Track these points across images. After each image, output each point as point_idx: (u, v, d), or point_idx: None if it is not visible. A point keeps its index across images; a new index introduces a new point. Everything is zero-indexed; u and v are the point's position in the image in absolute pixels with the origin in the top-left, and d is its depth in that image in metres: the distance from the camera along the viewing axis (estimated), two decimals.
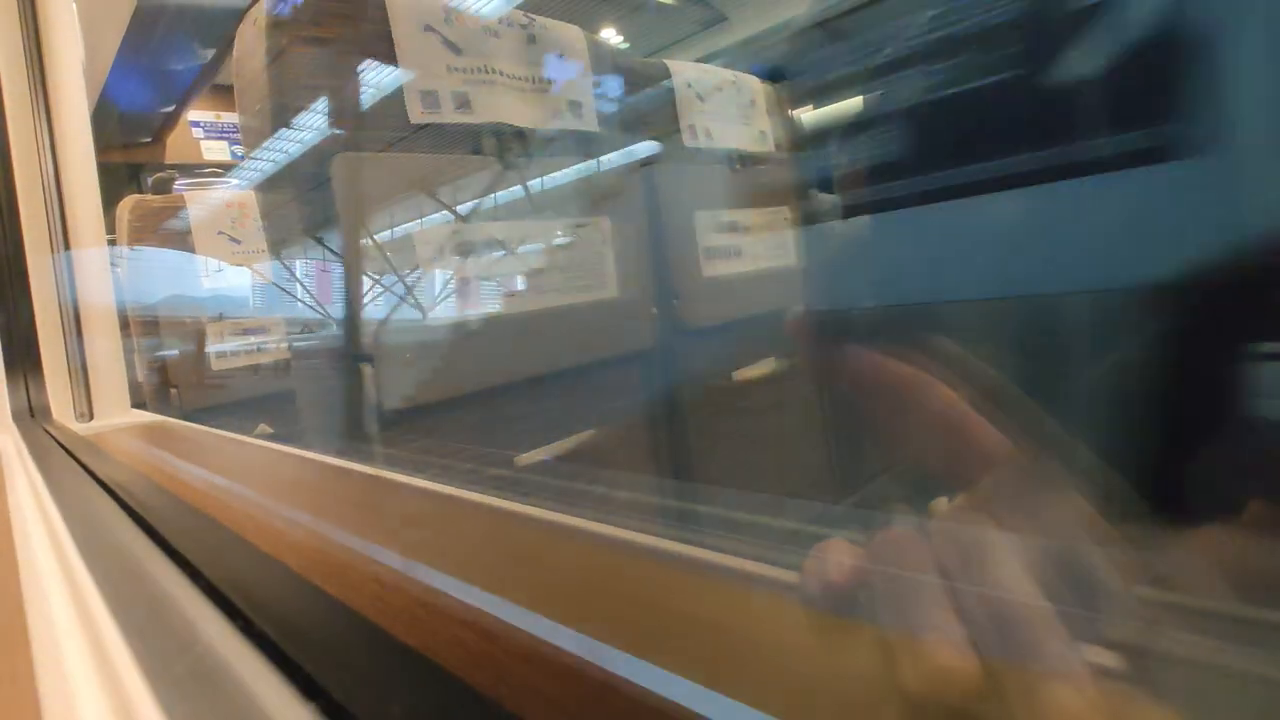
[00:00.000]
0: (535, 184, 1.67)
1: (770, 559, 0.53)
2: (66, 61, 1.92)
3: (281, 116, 1.33)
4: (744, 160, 2.38)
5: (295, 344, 1.63)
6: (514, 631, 0.38)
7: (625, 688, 0.31)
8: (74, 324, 1.87)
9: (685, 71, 2.15)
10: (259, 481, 0.95)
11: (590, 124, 1.74)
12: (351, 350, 1.33)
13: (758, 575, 0.52)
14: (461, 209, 1.58)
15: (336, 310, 1.40)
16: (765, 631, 0.40)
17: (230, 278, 3.19)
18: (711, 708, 0.29)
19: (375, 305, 1.43)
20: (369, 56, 1.37)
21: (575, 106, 1.74)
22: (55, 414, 1.85)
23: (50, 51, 1.88)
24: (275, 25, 1.29)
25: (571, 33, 1.76)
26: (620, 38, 15.83)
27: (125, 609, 0.59)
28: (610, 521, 0.65)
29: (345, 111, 1.35)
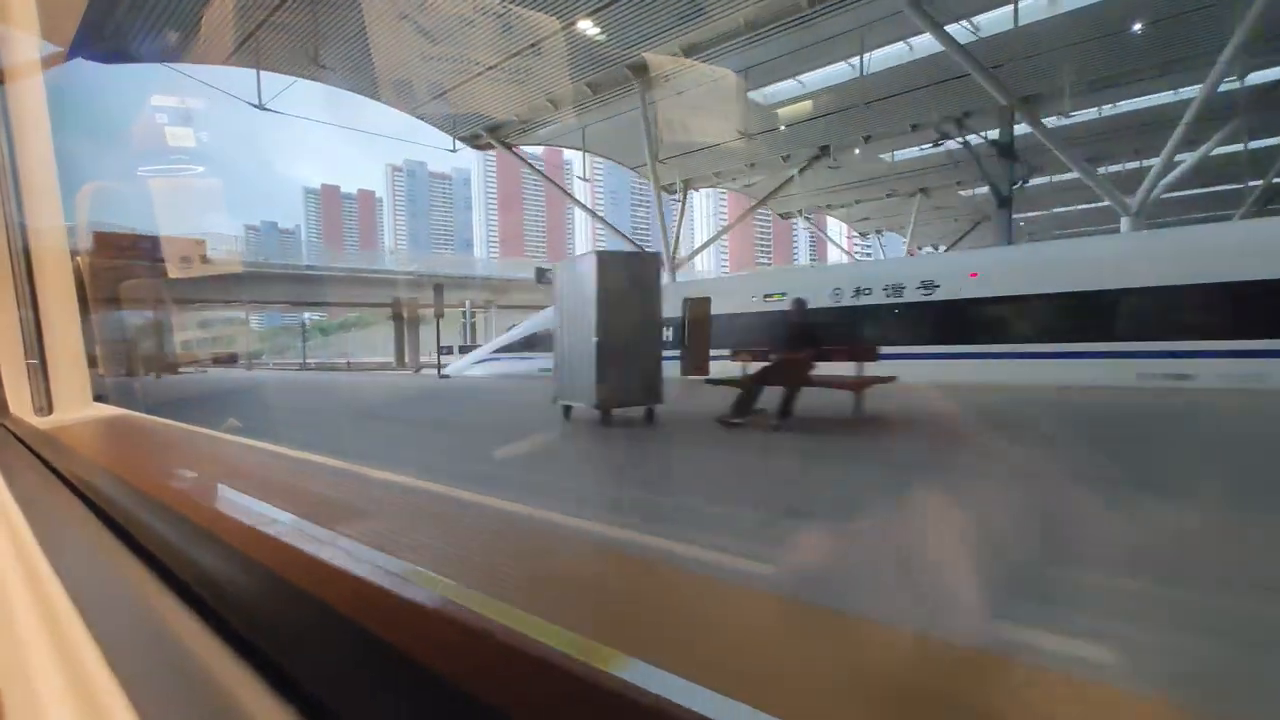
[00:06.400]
0: None
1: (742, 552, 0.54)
2: (22, 42, 1.84)
3: None
4: None
5: None
6: (494, 627, 0.38)
7: (605, 682, 0.31)
8: (32, 314, 1.80)
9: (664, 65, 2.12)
10: (227, 476, 0.93)
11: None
12: None
13: (727, 567, 0.53)
14: None
15: None
16: (738, 620, 0.41)
17: None
18: (692, 700, 0.30)
19: None
20: None
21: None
22: (13, 407, 1.79)
23: (5, 34, 1.80)
24: None
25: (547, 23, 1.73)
26: (597, 29, 15.36)
27: (92, 609, 0.58)
28: (588, 518, 0.66)
29: None
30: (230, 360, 31.03)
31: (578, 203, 27.21)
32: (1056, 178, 23.51)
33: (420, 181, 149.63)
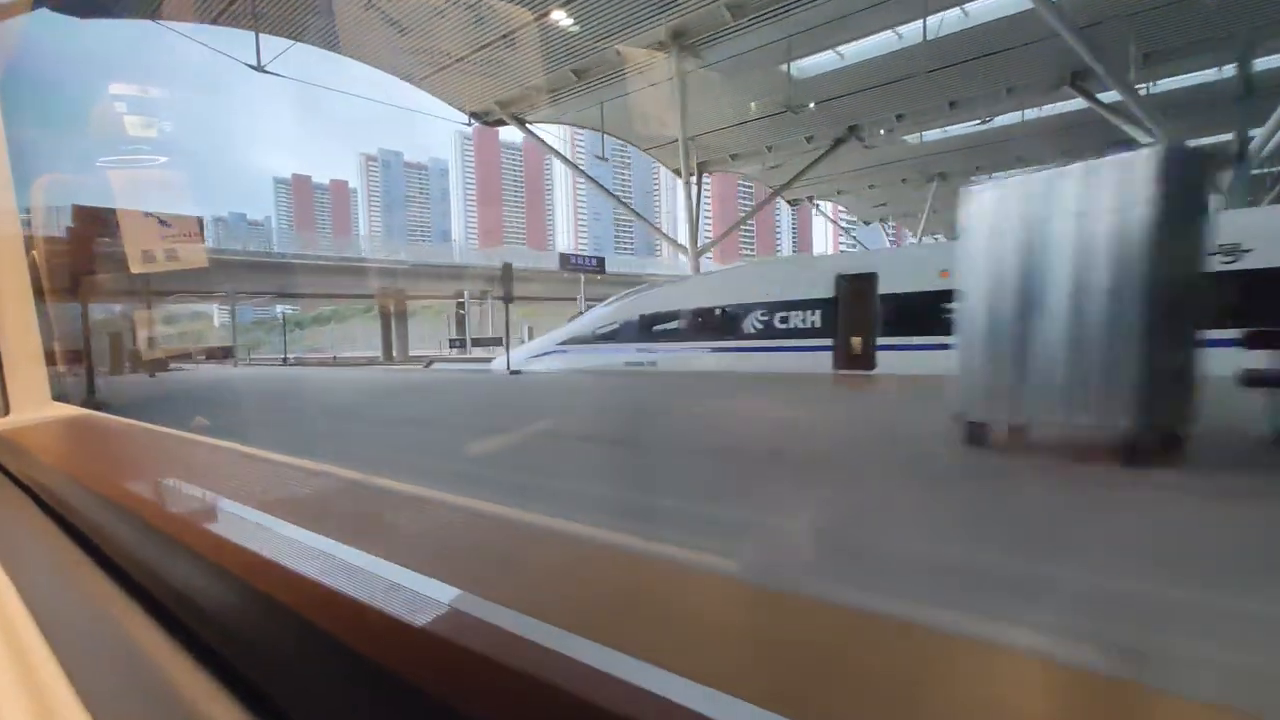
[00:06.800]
0: None
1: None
2: None
3: None
4: None
5: None
6: (473, 630, 0.37)
7: (596, 694, 0.30)
8: None
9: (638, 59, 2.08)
10: (193, 479, 0.90)
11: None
12: None
13: (703, 564, 0.53)
14: None
15: None
16: (714, 611, 0.41)
17: None
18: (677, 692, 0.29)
19: None
20: None
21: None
22: None
23: None
24: None
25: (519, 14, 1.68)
26: (571, 20, 14.87)
27: (51, 620, 0.55)
28: (568, 518, 0.65)
29: None
30: (225, 355, 29.52)
31: (599, 185, 24.71)
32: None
33: (395, 172, 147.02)
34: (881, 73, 16.91)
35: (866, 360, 10.60)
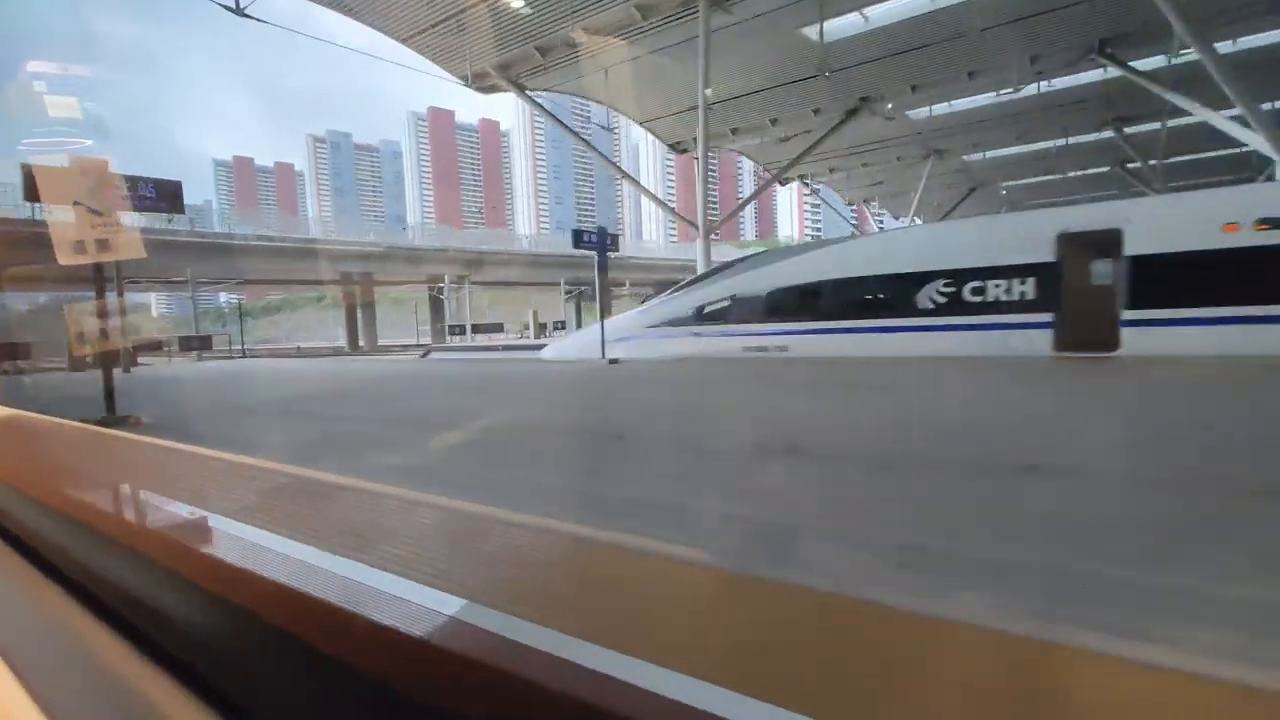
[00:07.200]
0: None
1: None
2: None
3: None
4: None
5: None
6: (445, 631, 0.36)
7: (561, 683, 0.31)
8: None
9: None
10: (140, 480, 0.87)
11: None
12: None
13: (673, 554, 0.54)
14: None
15: None
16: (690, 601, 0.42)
17: None
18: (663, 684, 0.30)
19: None
20: None
21: None
22: None
23: None
24: None
25: None
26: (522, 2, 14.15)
27: (4, 636, 0.53)
28: (534, 511, 0.65)
29: None
30: (203, 345, 26.85)
31: (606, 159, 22.79)
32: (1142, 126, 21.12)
33: (345, 154, 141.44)
34: (906, 38, 15.84)
35: (1107, 339, 8.31)
